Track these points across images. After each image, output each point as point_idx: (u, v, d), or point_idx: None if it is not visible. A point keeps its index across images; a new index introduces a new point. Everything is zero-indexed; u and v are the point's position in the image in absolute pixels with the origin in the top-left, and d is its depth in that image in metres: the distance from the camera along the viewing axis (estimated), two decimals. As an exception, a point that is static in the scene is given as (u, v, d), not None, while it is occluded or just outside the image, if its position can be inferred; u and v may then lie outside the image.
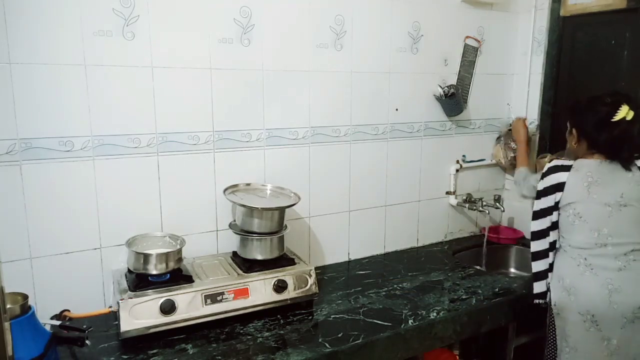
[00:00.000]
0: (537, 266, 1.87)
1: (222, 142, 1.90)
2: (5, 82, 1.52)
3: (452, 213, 2.60)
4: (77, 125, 1.63)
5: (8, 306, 1.27)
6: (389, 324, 1.70)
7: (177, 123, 1.80)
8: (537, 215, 1.85)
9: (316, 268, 1.85)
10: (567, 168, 1.78)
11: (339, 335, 1.61)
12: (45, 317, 1.52)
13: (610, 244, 1.71)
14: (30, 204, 1.60)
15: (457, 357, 2.17)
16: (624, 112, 1.68)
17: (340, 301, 1.86)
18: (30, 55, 1.53)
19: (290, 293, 1.73)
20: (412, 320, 1.72)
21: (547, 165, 1.84)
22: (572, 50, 2.50)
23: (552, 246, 1.84)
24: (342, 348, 1.55)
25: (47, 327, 1.44)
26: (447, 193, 2.55)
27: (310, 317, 1.73)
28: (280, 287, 1.70)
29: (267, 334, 1.60)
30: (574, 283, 1.73)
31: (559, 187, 1.78)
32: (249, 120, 1.94)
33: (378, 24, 2.17)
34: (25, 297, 1.35)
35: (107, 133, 1.68)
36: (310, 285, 1.77)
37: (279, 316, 1.71)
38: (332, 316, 1.75)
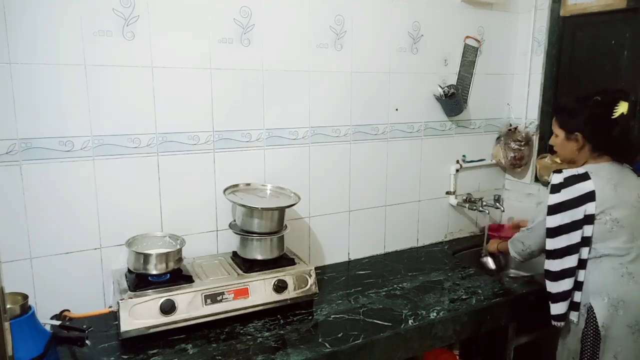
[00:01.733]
0: (560, 286, 1.71)
1: (222, 142, 1.90)
2: (5, 82, 1.51)
3: (452, 213, 2.60)
4: (77, 125, 1.63)
5: (8, 306, 1.27)
6: (389, 324, 1.70)
7: (177, 123, 1.80)
8: (560, 231, 1.68)
9: (316, 268, 1.85)
10: (586, 176, 1.66)
11: (339, 335, 1.61)
12: (45, 317, 1.52)
13: None
14: (30, 204, 1.60)
15: (457, 357, 2.17)
16: (623, 108, 1.66)
17: (340, 301, 1.86)
18: (30, 55, 1.53)
19: (290, 293, 1.73)
20: (412, 320, 1.72)
21: (559, 177, 1.69)
22: (572, 50, 2.50)
23: (582, 264, 1.70)
24: (342, 348, 1.55)
25: (47, 327, 1.44)
26: (447, 193, 2.55)
27: (310, 317, 1.73)
28: (280, 287, 1.70)
29: (267, 334, 1.60)
30: (622, 296, 1.64)
31: (590, 196, 1.64)
32: (249, 120, 1.94)
33: (378, 24, 2.17)
34: (25, 297, 1.35)
35: (107, 133, 1.68)
36: (310, 285, 1.77)
37: (279, 316, 1.71)
38: (332, 316, 1.74)
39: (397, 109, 2.29)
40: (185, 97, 1.80)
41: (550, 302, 1.75)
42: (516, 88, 2.65)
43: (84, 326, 1.48)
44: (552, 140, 1.86)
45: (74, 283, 1.69)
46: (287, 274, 1.74)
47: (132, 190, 1.75)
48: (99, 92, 1.65)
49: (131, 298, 1.51)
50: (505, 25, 2.56)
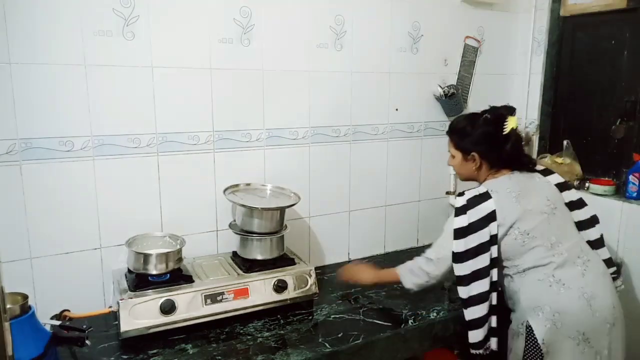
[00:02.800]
0: (474, 312, 1.62)
1: (222, 142, 1.90)
2: (5, 82, 1.52)
3: (452, 213, 2.59)
4: (77, 125, 1.63)
5: (8, 306, 1.27)
6: (389, 324, 1.70)
7: (177, 123, 1.80)
8: (468, 255, 1.62)
9: (316, 268, 1.85)
10: (487, 195, 1.65)
11: (339, 335, 1.61)
12: (45, 317, 1.51)
13: (564, 251, 1.62)
14: (30, 204, 1.60)
15: (457, 357, 2.17)
16: (513, 123, 1.71)
17: (340, 301, 1.86)
18: (30, 55, 1.53)
19: (290, 293, 1.73)
20: (412, 320, 1.72)
21: (463, 199, 1.68)
22: (572, 50, 2.50)
23: (494, 286, 1.64)
24: (342, 348, 1.55)
25: (47, 327, 1.44)
26: (447, 193, 2.54)
27: (310, 317, 1.73)
28: (280, 287, 1.70)
29: (267, 334, 1.60)
30: (556, 307, 1.56)
31: (491, 216, 1.62)
32: (249, 120, 1.94)
33: (378, 24, 2.17)
34: (25, 297, 1.35)
35: (107, 133, 1.68)
36: (310, 285, 1.77)
37: (279, 316, 1.71)
38: (332, 316, 1.74)
39: (397, 109, 2.29)
40: (185, 97, 1.80)
41: (467, 329, 1.65)
42: (516, 88, 2.64)
43: (84, 326, 1.47)
44: (449, 162, 1.86)
45: (74, 283, 1.69)
46: (287, 274, 1.74)
47: (132, 190, 1.75)
48: (99, 92, 1.65)
49: (131, 298, 1.51)
50: (505, 25, 2.56)
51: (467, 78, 2.49)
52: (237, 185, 1.91)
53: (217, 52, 1.83)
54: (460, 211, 1.67)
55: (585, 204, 1.82)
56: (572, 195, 1.81)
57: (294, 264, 1.81)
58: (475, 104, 2.54)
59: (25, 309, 1.32)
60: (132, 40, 1.68)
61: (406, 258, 2.32)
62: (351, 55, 2.12)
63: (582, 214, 1.80)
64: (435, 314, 1.77)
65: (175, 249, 1.66)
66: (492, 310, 1.65)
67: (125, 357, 1.47)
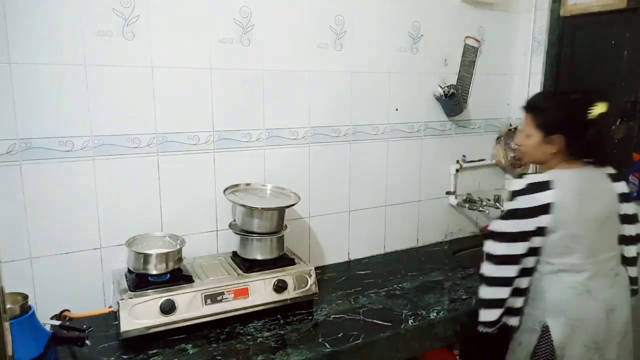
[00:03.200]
0: (494, 292, 1.60)
1: (222, 142, 1.90)
2: (5, 82, 1.52)
3: (452, 213, 2.60)
4: (77, 125, 1.63)
5: (8, 306, 1.27)
6: (389, 324, 1.70)
7: (177, 123, 1.80)
8: (507, 237, 1.57)
9: (316, 268, 1.85)
10: (548, 185, 1.54)
11: (339, 335, 1.61)
12: (45, 317, 1.51)
13: (601, 261, 1.59)
14: (30, 204, 1.60)
15: (457, 357, 2.17)
16: (602, 108, 1.55)
17: (340, 301, 1.86)
18: (30, 55, 1.53)
19: (290, 293, 1.73)
20: (412, 320, 1.72)
21: (522, 182, 1.58)
22: (572, 50, 2.50)
23: (523, 274, 1.60)
24: (342, 348, 1.55)
25: (47, 327, 1.44)
26: (447, 193, 2.55)
27: (310, 317, 1.73)
28: (280, 287, 1.70)
29: (267, 334, 1.60)
30: (579, 315, 1.55)
31: (545, 209, 1.53)
32: (249, 120, 1.94)
33: (378, 24, 2.17)
34: (25, 297, 1.35)
35: (107, 133, 1.68)
36: (310, 285, 1.77)
37: (279, 316, 1.71)
38: (332, 316, 1.74)
39: (397, 109, 2.29)
40: (185, 97, 1.80)
41: (481, 307, 1.63)
42: (516, 88, 2.64)
43: (84, 326, 1.47)
44: (521, 140, 1.70)
45: (74, 283, 1.69)
46: (287, 274, 1.74)
47: (132, 190, 1.75)
48: (99, 92, 1.65)
49: (131, 298, 1.51)
50: (505, 25, 2.56)
51: (467, 78, 2.49)
52: (237, 185, 1.91)
53: (217, 52, 1.83)
54: (514, 194, 1.59)
55: (638, 221, 1.73)
56: (630, 208, 1.71)
57: (294, 264, 1.81)
58: (475, 104, 2.54)
59: (25, 309, 1.32)
60: (132, 40, 1.68)
61: (406, 258, 2.35)
62: (351, 55, 2.12)
63: (632, 230, 1.71)
64: (435, 314, 1.77)
65: (175, 249, 1.66)
66: (517, 293, 1.62)
67: (125, 357, 1.47)
